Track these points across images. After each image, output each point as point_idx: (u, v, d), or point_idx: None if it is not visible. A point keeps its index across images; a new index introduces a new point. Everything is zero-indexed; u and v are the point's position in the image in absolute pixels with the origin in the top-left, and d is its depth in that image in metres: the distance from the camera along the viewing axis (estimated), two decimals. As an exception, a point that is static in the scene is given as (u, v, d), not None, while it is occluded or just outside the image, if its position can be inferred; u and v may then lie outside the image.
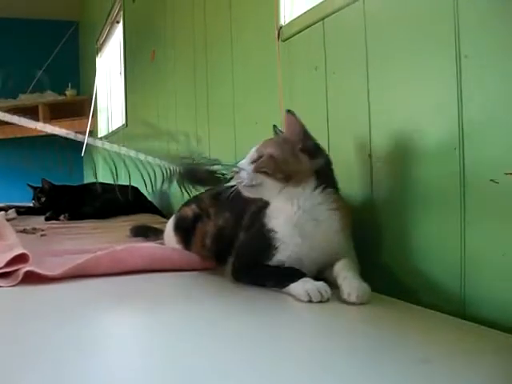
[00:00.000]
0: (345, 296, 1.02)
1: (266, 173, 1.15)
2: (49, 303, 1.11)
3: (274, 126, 1.32)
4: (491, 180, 0.92)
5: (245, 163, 1.18)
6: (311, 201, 1.15)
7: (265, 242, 1.16)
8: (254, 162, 1.17)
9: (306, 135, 1.18)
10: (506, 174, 0.89)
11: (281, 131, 1.28)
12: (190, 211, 1.53)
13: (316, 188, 1.16)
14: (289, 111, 1.18)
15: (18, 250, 1.32)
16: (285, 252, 1.14)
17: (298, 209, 1.15)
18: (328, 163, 1.21)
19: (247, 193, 1.18)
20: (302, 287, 1.04)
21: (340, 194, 1.21)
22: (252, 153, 1.20)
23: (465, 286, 0.99)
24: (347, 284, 1.04)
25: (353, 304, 1.01)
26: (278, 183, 1.15)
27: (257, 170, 1.15)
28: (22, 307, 1.09)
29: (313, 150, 1.18)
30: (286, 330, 0.93)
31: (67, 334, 0.87)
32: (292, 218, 1.15)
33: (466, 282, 0.99)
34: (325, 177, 1.19)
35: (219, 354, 0.77)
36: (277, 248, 1.14)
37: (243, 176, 1.16)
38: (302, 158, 1.17)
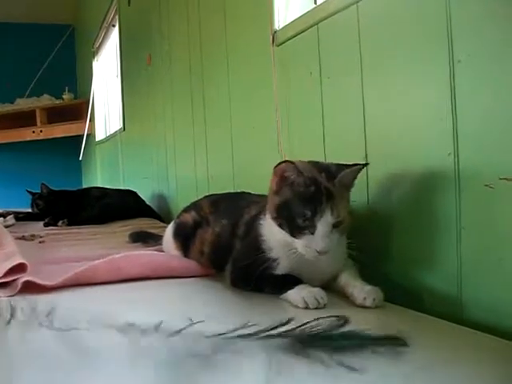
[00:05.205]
0: (359, 301, 1.03)
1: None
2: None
3: None
4: (486, 185, 0.92)
5: (325, 230, 1.04)
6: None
7: (259, 258, 1.13)
8: (334, 226, 1.06)
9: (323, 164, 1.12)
10: (501, 178, 0.90)
11: None
12: (189, 218, 1.52)
13: None
14: (286, 162, 1.06)
15: (17, 260, 1.32)
16: (280, 271, 1.12)
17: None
18: None
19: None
20: (298, 294, 1.04)
21: None
22: (329, 218, 1.04)
23: (461, 292, 0.99)
24: (360, 290, 1.05)
25: (369, 308, 1.02)
26: None
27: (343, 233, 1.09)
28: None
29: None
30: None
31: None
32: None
33: (462, 287, 0.99)
34: None
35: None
36: (272, 266, 1.12)
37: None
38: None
